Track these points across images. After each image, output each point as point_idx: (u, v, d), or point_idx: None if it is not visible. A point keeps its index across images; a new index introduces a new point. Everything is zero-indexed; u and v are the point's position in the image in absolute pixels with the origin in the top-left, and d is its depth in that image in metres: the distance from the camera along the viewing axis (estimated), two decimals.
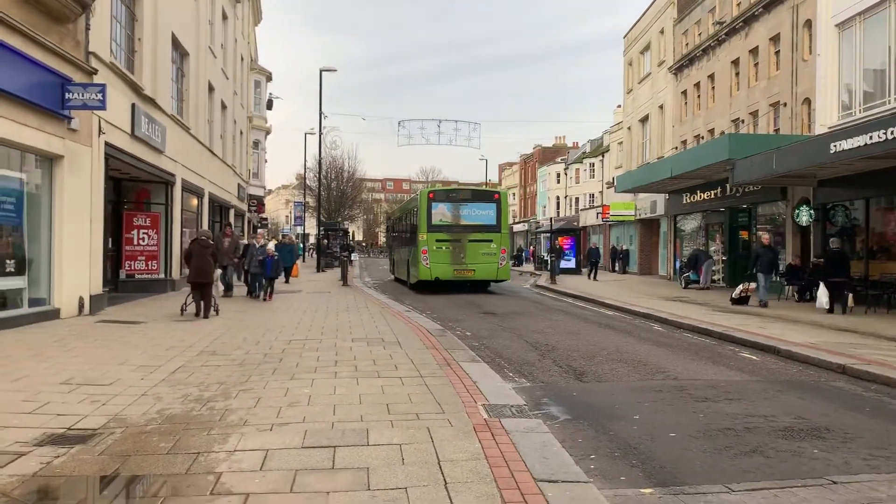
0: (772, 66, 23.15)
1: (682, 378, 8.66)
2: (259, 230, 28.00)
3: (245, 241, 19.01)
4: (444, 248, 22.21)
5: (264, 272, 17.51)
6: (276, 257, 18.01)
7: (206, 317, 13.26)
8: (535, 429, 5.60)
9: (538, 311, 17.47)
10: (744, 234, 25.29)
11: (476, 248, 22.31)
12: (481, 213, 22.65)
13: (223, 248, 17.63)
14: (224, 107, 27.83)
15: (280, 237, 29.41)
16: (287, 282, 23.95)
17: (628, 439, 5.88)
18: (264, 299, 17.19)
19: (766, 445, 5.75)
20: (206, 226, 23.63)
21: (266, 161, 44.57)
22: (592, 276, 30.79)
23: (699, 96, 28.89)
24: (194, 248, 13.84)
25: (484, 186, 74.79)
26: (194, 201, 23.10)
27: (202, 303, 13.43)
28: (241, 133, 33.65)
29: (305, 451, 4.91)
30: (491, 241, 22.43)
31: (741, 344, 11.57)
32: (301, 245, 38.97)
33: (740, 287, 18.07)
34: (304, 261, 36.13)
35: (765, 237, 18.45)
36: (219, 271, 16.51)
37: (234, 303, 16.46)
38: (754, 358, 10.37)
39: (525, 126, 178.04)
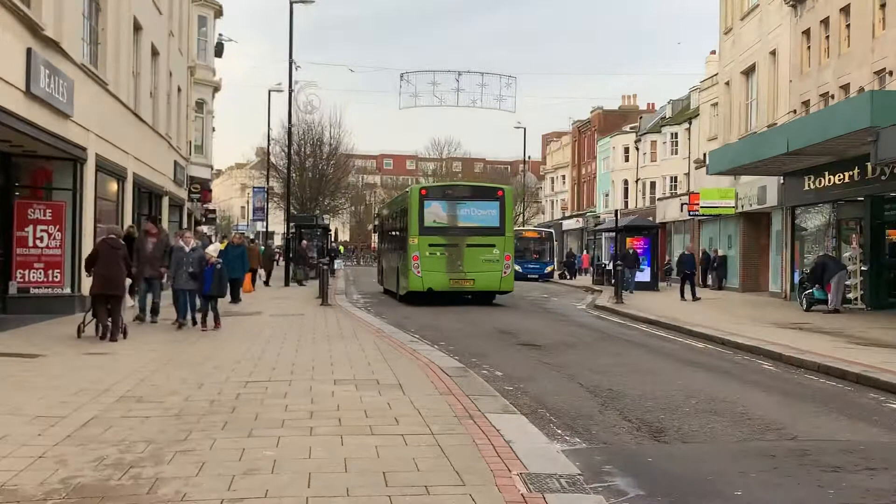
0: None
1: (802, 438, 8.60)
2: (199, 227, 28.01)
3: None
4: (438, 253, 25.58)
5: (200, 288, 16.58)
6: (218, 266, 16.84)
7: (112, 339, 14.01)
8: None
9: (598, 341, 17.44)
10: (892, 234, 25.08)
11: (475, 254, 25.67)
12: (482, 214, 26.17)
13: (146, 252, 17.41)
14: (156, 53, 28.05)
15: (232, 236, 29.32)
16: (235, 300, 23.63)
17: None
18: (203, 328, 16.47)
19: None
20: (129, 220, 23.78)
21: (214, 130, 44.87)
22: (686, 293, 29.99)
23: (828, 38, 28.72)
24: (101, 250, 14.41)
25: (522, 166, 75.00)
26: (114, 186, 23.23)
27: (108, 322, 14.07)
28: (180, 90, 33.88)
29: None
30: (493, 245, 25.81)
31: (889, 390, 11.47)
32: (263, 248, 39.02)
33: None
34: (265, 273, 36.16)
35: None
36: (129, 281, 16.52)
37: (163, 331, 16.52)
38: None
39: (580, 81, 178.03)
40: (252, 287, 25.88)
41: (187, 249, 16.78)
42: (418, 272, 25.52)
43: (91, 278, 14.49)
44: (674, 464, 7.52)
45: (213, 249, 16.96)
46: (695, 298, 29.37)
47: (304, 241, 41.13)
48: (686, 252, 32.73)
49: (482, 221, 26.15)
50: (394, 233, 31.16)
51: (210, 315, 16.78)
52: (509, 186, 29.15)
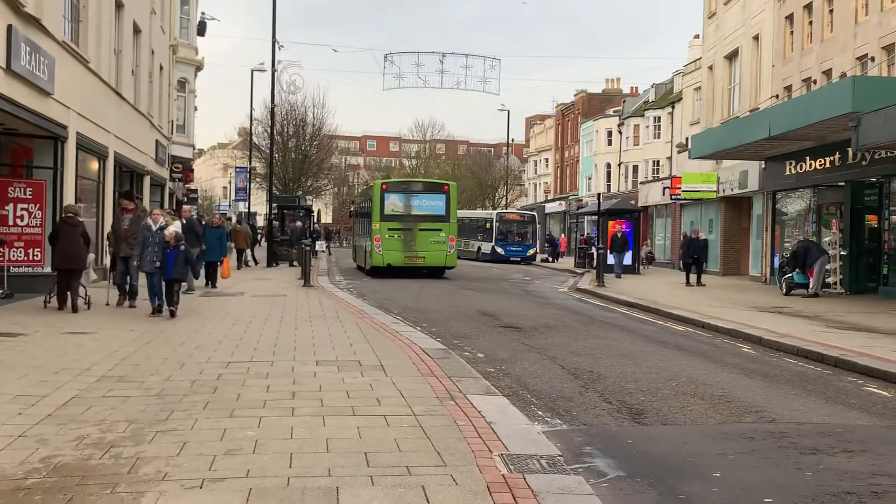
0: None
1: (781, 420, 8.68)
2: (185, 206, 27.76)
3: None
4: (395, 236, 31.33)
5: (163, 272, 15.23)
6: (181, 247, 15.52)
7: (74, 310, 15.14)
8: (575, 489, 5.60)
9: (579, 324, 17.51)
10: (871, 219, 25.22)
11: (426, 237, 31.48)
12: (431, 204, 32.18)
13: (122, 230, 16.85)
14: (137, 30, 27.82)
15: (211, 216, 29.03)
16: (212, 285, 22.71)
17: None
18: (171, 313, 15.26)
19: None
20: (110, 199, 23.65)
21: (196, 109, 44.58)
22: (695, 279, 28.94)
23: (811, 23, 28.80)
24: (61, 228, 15.47)
25: (505, 149, 75.07)
26: (94, 164, 23.08)
27: (68, 294, 15.30)
28: (162, 68, 33.65)
29: None
30: (440, 230, 31.70)
31: (866, 374, 11.57)
32: (252, 228, 38.93)
33: None
34: (249, 253, 35.99)
35: None
36: (91, 256, 16.60)
37: (143, 312, 16.36)
38: (885, 393, 10.38)
39: (564, 64, 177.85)
40: (230, 272, 25.12)
41: (154, 228, 15.44)
42: (380, 251, 31.16)
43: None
44: (654, 445, 7.57)
45: (173, 230, 15.75)
46: (699, 283, 28.61)
47: (298, 222, 41.24)
48: (692, 237, 30.73)
49: (431, 210, 31.94)
50: (362, 219, 36.83)
51: (167, 302, 15.45)
52: (453, 182, 36.02)
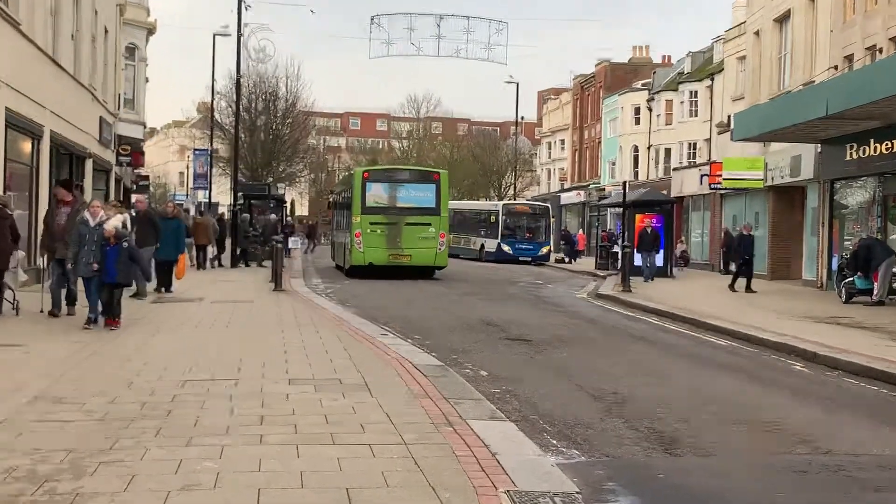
0: None
1: (838, 452, 8.67)
2: (139, 196, 27.62)
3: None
4: (378, 231, 32.11)
5: (102, 275, 14.77)
6: (125, 244, 15.06)
7: None
8: None
9: (600, 336, 17.51)
10: None
11: (413, 232, 32.22)
12: (419, 195, 33.08)
13: (57, 226, 16.73)
14: None
15: (165, 205, 28.72)
16: (165, 289, 22.27)
17: None
18: (107, 324, 14.89)
19: None
20: (46, 187, 23.61)
21: (148, 80, 44.47)
22: (744, 284, 28.67)
23: None
24: None
25: (513, 129, 75.22)
26: (27, 146, 23.01)
27: None
28: (107, 32, 33.58)
29: None
30: (429, 224, 32.44)
31: None
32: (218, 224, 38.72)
33: None
34: (216, 251, 35.88)
35: None
36: (21, 253, 16.93)
37: (83, 322, 16.34)
38: None
39: (583, 29, 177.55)
40: (185, 272, 24.54)
41: (93, 224, 14.93)
42: (361, 248, 31.94)
43: None
44: (689, 480, 7.57)
45: (116, 224, 14.95)
46: (749, 290, 28.35)
47: (272, 215, 41.75)
48: (742, 232, 30.51)
49: (419, 202, 32.77)
50: (341, 213, 38.17)
51: (108, 312, 15.09)
52: (444, 171, 36.67)
